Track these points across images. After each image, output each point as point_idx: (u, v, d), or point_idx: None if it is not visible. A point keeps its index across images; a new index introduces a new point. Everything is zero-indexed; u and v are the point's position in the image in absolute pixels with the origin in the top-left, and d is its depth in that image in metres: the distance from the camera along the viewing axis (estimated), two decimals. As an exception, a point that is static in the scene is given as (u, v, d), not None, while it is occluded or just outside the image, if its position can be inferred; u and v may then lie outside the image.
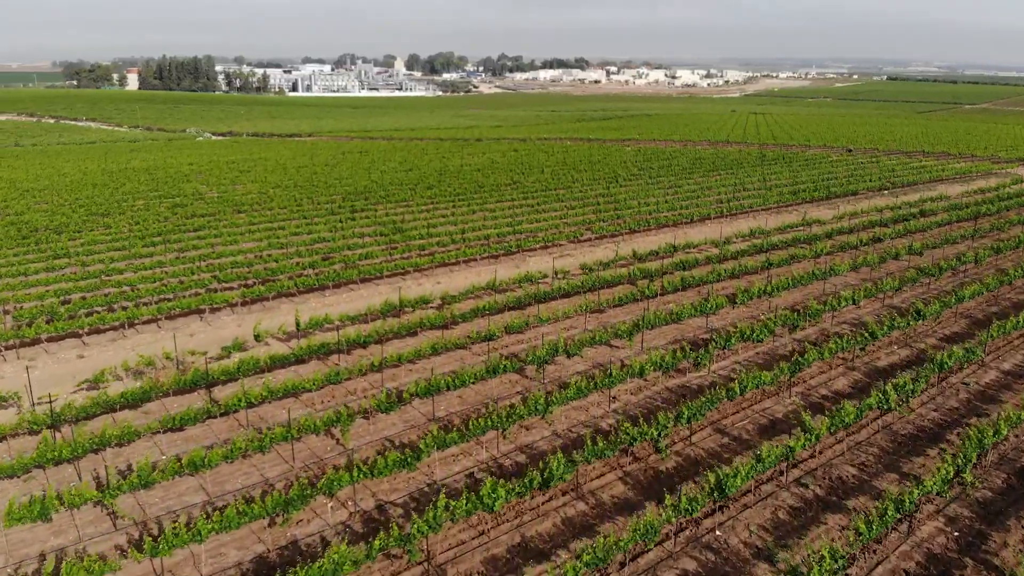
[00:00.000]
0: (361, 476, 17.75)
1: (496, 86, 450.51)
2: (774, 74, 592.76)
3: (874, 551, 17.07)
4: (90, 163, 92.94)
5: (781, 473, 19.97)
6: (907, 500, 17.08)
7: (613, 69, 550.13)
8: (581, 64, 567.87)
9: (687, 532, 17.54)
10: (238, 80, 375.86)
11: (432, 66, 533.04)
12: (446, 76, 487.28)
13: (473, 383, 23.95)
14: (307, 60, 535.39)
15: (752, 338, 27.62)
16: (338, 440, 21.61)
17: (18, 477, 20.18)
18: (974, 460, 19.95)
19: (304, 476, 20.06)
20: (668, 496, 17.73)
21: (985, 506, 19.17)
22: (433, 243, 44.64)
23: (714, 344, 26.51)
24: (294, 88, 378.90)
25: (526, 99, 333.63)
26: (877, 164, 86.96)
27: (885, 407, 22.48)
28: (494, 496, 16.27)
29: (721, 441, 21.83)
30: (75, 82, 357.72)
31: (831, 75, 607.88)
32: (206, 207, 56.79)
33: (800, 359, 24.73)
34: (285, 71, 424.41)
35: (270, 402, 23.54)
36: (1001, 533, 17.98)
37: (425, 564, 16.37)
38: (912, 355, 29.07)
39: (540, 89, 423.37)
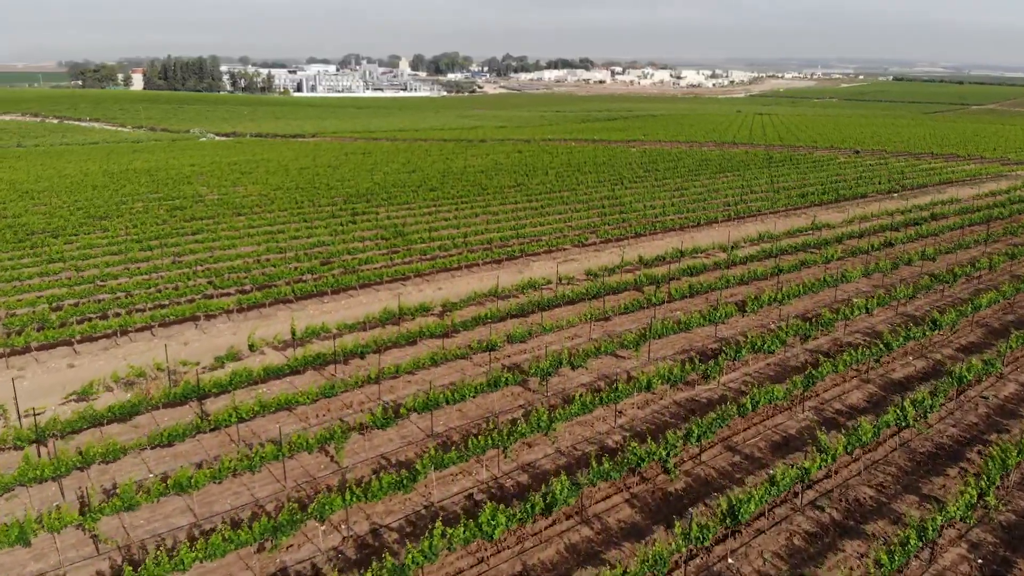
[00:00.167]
0: (354, 500, 16.88)
1: (501, 86, 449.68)
2: (779, 74, 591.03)
3: (895, 581, 16.16)
4: (91, 164, 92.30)
5: (796, 495, 19.05)
6: (930, 528, 16.15)
7: (618, 69, 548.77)
8: (586, 64, 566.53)
9: (698, 560, 16.63)
10: (243, 80, 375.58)
11: (437, 66, 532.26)
12: (451, 76, 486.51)
13: (473, 397, 23.07)
14: (312, 60, 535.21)
15: (763, 349, 26.69)
16: (332, 457, 20.75)
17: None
18: (997, 482, 19.01)
19: (296, 496, 19.22)
20: (678, 522, 16.81)
21: (1009, 531, 18.23)
22: (435, 247, 43.77)
23: (724, 355, 25.58)
24: (299, 88, 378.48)
25: (531, 99, 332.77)
26: (886, 166, 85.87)
27: (903, 424, 21.54)
28: (494, 523, 15.39)
29: (732, 459, 20.91)
30: (80, 82, 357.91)
31: (837, 75, 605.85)
32: (205, 210, 56.00)
33: (813, 372, 23.78)
34: (290, 71, 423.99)
35: (263, 416, 22.68)
36: (1029, 561, 17.05)
37: (421, 594, 15.53)
38: (928, 366, 28.12)
39: (545, 89, 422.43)
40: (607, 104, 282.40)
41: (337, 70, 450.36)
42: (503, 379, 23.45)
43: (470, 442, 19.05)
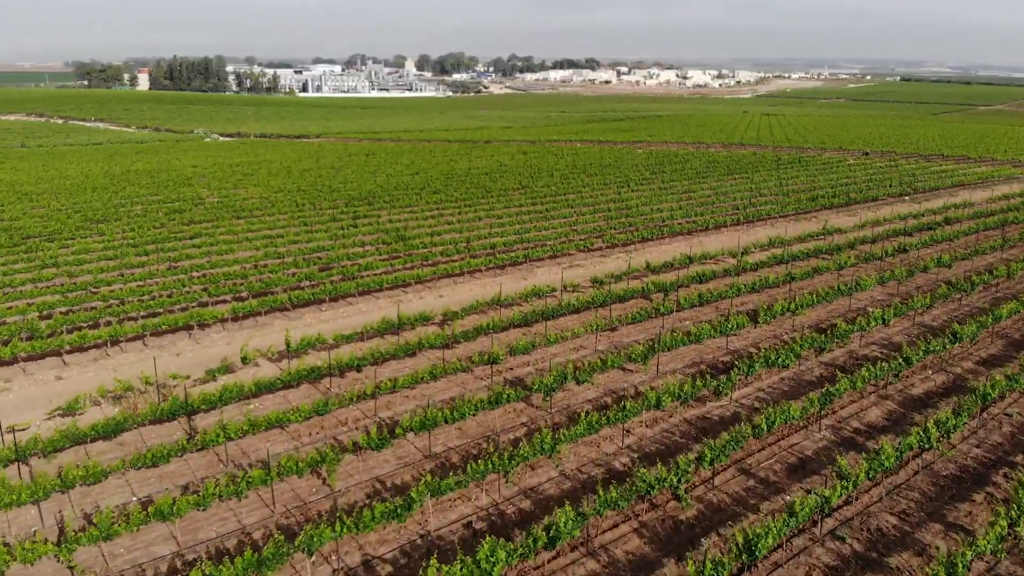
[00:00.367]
0: (345, 530, 15.85)
1: (506, 87, 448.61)
2: (786, 75, 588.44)
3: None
4: (93, 165, 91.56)
5: (815, 523, 17.96)
6: (960, 564, 15.05)
7: (624, 69, 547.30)
8: (592, 64, 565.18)
9: (711, 597, 15.56)
10: (248, 80, 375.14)
11: (442, 66, 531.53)
12: (456, 77, 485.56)
13: (474, 415, 22.01)
14: (318, 60, 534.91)
15: (777, 363, 25.58)
16: (324, 480, 19.71)
17: (-27, 522, 18.41)
18: (1029, 510, 17.88)
19: (285, 523, 18.20)
20: (690, 556, 15.75)
21: (1043, 563, 17.11)
22: (437, 253, 42.74)
23: (737, 370, 24.47)
24: (304, 88, 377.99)
25: (536, 100, 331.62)
26: (896, 168, 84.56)
27: (926, 446, 20.43)
28: (493, 560, 14.35)
29: (746, 484, 19.82)
30: (86, 82, 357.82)
31: (843, 76, 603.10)
32: (204, 213, 55.06)
33: (831, 389, 22.66)
34: (295, 71, 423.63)
35: (254, 434, 21.66)
36: (1066, 599, 15.94)
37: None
38: (948, 381, 26.97)
39: (550, 89, 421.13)
40: (613, 104, 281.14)
41: (343, 70, 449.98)
42: (505, 395, 22.40)
43: (469, 466, 18.00)
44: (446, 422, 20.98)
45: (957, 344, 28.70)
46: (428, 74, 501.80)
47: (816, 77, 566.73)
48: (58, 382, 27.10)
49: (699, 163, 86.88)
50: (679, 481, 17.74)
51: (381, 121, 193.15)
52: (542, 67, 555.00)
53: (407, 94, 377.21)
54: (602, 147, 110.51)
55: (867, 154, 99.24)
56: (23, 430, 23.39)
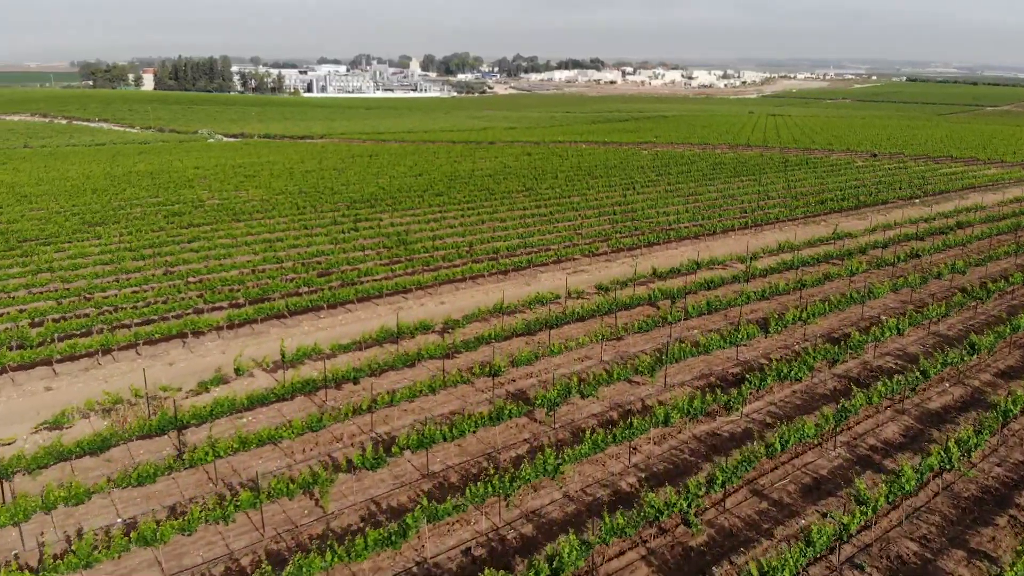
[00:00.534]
0: (336, 560, 15.01)
1: (511, 87, 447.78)
2: (791, 75, 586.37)
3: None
4: (95, 166, 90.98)
5: (832, 550, 17.05)
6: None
7: (629, 69, 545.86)
8: (596, 64, 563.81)
9: (723, 632, 14.69)
10: (253, 80, 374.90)
11: (447, 67, 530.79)
12: (461, 77, 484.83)
13: (474, 432, 21.14)
14: (323, 60, 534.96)
15: (789, 376, 24.66)
16: (317, 501, 18.86)
17: (-51, 545, 17.62)
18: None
19: (275, 548, 17.36)
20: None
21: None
22: (439, 257, 41.89)
23: (748, 384, 23.56)
24: (309, 89, 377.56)
25: (541, 100, 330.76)
26: (905, 170, 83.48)
27: (947, 467, 19.51)
28: (492, 594, 13.48)
29: (759, 506, 18.91)
30: (91, 82, 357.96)
31: (849, 76, 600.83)
32: (204, 216, 54.31)
33: (846, 405, 21.74)
34: (300, 72, 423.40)
35: (245, 451, 20.81)
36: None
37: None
38: (966, 394, 26.03)
39: (555, 90, 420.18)
40: (618, 105, 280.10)
41: (347, 70, 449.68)
42: (507, 411, 21.51)
43: (469, 489, 17.13)
44: (445, 440, 20.12)
45: (975, 355, 27.75)
46: (433, 74, 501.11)
47: (822, 77, 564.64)
48: (47, 393, 26.32)
49: (705, 165, 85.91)
50: (689, 506, 16.85)
51: (385, 122, 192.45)
52: (547, 67, 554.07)
53: (412, 94, 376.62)
54: (607, 148, 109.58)
55: (875, 155, 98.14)
56: (8, 444, 22.65)
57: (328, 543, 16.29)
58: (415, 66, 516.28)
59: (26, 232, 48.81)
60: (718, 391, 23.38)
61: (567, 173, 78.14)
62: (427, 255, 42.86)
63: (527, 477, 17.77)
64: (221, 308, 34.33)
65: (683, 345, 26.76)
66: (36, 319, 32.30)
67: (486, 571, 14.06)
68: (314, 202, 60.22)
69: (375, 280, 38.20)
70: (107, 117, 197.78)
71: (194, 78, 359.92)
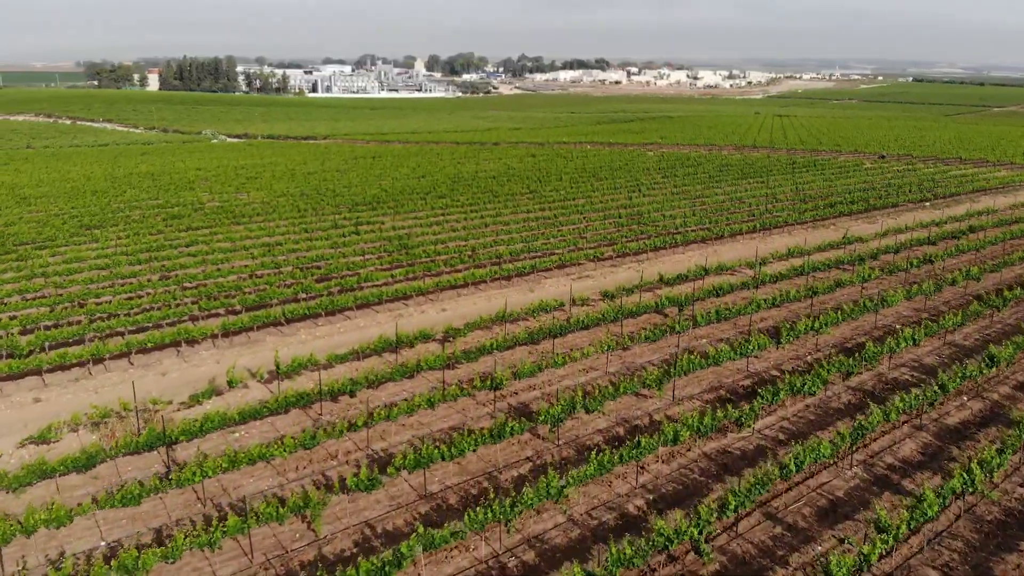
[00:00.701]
0: (326, 593, 14.16)
1: (516, 87, 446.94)
2: (797, 75, 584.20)
3: None
4: (97, 167, 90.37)
5: (850, 581, 16.13)
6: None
7: (634, 70, 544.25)
8: (602, 64, 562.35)
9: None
10: (258, 81, 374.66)
11: (452, 67, 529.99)
12: (466, 77, 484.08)
13: (474, 451, 20.26)
14: (328, 61, 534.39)
15: (803, 390, 23.74)
16: (309, 524, 18.01)
17: (-76, 570, 16.83)
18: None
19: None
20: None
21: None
22: (440, 262, 41.03)
23: (760, 399, 22.65)
24: (314, 89, 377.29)
25: (546, 100, 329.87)
26: (914, 172, 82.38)
27: (970, 489, 18.58)
28: (491, 634, 12.61)
29: (773, 531, 18.00)
30: (96, 82, 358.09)
31: (855, 76, 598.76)
32: (203, 219, 53.53)
33: (863, 423, 20.82)
34: (305, 72, 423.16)
35: (236, 470, 19.97)
36: None
37: None
38: (985, 408, 25.08)
39: (560, 90, 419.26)
40: (623, 105, 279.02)
41: (352, 71, 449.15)
42: (508, 428, 20.64)
43: (467, 515, 16.26)
44: (443, 459, 19.25)
45: (993, 368, 26.79)
46: (438, 74, 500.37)
47: (827, 78, 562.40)
48: (36, 405, 25.52)
49: (712, 166, 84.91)
50: (700, 533, 15.96)
51: (390, 122, 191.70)
52: (552, 67, 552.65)
53: (416, 95, 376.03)
54: (612, 149, 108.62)
55: (883, 157, 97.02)
56: (-11, 461, 21.86)
57: (318, 574, 15.42)
58: (420, 66, 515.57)
59: (23, 235, 48.10)
60: (729, 406, 22.45)
61: (572, 175, 77.25)
62: (429, 260, 42.01)
63: (529, 502, 16.90)
64: (217, 315, 33.54)
65: (692, 357, 25.85)
66: (28, 326, 31.53)
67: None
68: (315, 204, 59.43)
69: (375, 286, 37.37)
70: (111, 117, 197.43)
71: (199, 78, 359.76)
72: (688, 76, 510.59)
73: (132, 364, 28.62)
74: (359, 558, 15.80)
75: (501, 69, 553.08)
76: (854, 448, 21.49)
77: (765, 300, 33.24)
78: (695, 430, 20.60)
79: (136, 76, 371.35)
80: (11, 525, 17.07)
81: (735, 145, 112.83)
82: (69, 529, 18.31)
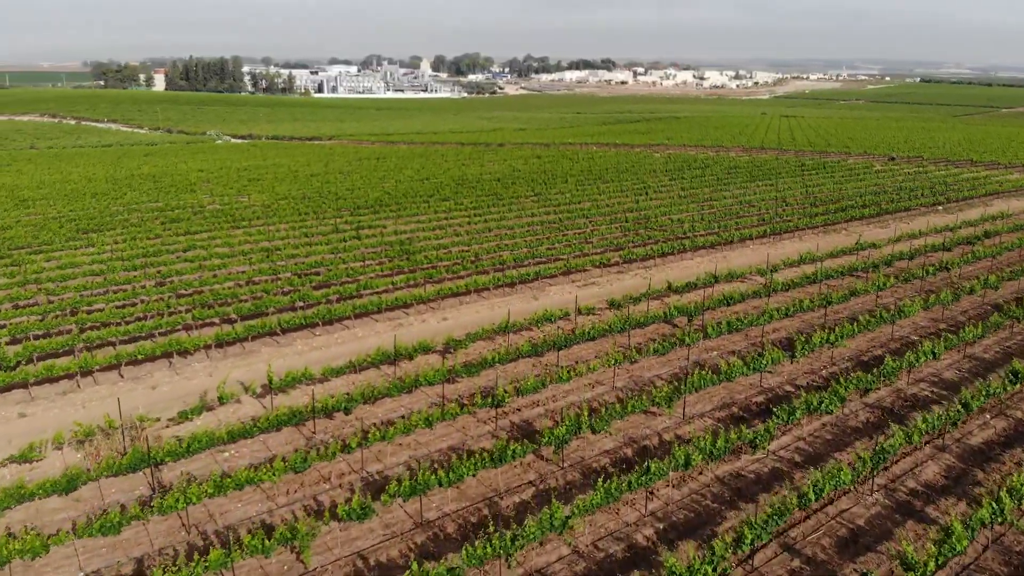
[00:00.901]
0: (312, 638, 13.15)
1: (521, 87, 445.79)
2: (804, 75, 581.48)
3: None
4: (99, 168, 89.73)
5: (875, 622, 15.08)
6: None
7: (640, 70, 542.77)
8: (608, 65, 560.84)
9: None
10: (264, 81, 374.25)
11: (458, 67, 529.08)
12: (471, 77, 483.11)
13: (473, 475, 19.21)
14: (334, 61, 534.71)
15: (819, 409, 22.64)
16: (298, 555, 17.00)
17: None
18: None
19: (249, 612, 15.52)
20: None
21: None
22: (443, 269, 40.03)
23: (775, 419, 21.57)
24: (320, 89, 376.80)
25: (551, 100, 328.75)
26: (926, 175, 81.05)
27: (1000, 520, 17.49)
28: None
29: (791, 564, 16.92)
30: (102, 82, 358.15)
31: (862, 76, 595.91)
32: (202, 223, 52.60)
33: (884, 446, 19.72)
34: (311, 72, 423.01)
35: (223, 495, 18.97)
36: None
37: None
38: (1009, 427, 23.94)
39: (566, 90, 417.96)
40: (629, 105, 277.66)
41: (358, 71, 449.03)
42: (510, 451, 19.60)
43: (465, 550, 15.22)
44: (441, 485, 18.21)
45: (1017, 384, 25.65)
46: (443, 75, 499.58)
47: (834, 78, 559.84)
48: (21, 420, 24.59)
49: (720, 168, 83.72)
50: (715, 570, 14.90)
51: (395, 122, 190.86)
52: (558, 68, 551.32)
53: (422, 95, 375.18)
54: (618, 150, 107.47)
55: (893, 159, 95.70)
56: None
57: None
58: (426, 67, 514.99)
59: (18, 239, 47.27)
60: (742, 426, 21.38)
61: (577, 177, 76.18)
62: (431, 266, 41.01)
63: (532, 535, 15.85)
64: (212, 324, 32.60)
65: (703, 372, 24.75)
66: (17, 336, 30.60)
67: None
68: (316, 208, 58.48)
69: (375, 293, 36.37)
70: (116, 118, 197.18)
71: (205, 78, 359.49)
72: (694, 76, 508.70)
73: (122, 376, 27.67)
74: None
75: (507, 69, 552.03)
76: (875, 472, 20.38)
77: (778, 310, 32.13)
78: (707, 453, 19.53)
79: (142, 76, 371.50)
80: (-17, 555, 16.12)
81: (743, 146, 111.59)
82: (46, 559, 17.35)
